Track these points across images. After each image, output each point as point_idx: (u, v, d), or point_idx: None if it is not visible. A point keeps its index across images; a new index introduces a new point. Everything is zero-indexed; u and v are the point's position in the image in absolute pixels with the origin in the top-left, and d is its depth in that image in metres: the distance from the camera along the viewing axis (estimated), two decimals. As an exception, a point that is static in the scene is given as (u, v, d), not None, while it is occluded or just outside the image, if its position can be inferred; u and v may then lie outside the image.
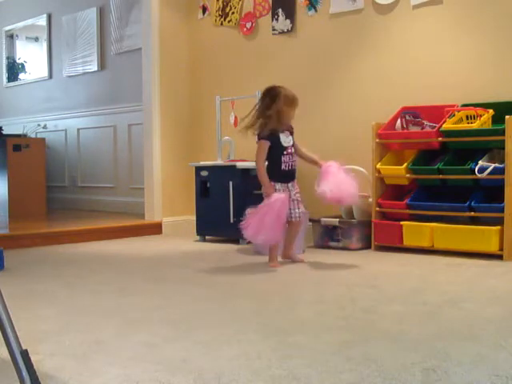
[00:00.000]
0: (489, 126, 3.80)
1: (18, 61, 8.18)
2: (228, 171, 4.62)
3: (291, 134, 3.75)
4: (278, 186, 3.64)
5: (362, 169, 4.26)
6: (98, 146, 6.86)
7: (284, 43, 5.04)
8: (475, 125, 3.77)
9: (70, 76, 7.20)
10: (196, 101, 5.65)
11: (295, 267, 3.62)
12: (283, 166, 3.67)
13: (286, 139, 3.70)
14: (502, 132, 3.64)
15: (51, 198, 7.00)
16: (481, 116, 3.79)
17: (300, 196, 3.74)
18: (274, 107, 3.60)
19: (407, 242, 4.00)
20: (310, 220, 4.31)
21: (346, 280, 3.17)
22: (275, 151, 3.66)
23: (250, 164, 4.36)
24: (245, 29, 5.28)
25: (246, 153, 4.62)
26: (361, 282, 3.11)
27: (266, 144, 3.64)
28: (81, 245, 4.67)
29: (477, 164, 3.73)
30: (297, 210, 3.70)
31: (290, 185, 3.70)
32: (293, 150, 3.73)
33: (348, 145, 4.61)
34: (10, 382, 1.59)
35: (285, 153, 3.69)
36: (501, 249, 3.66)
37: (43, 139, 6.76)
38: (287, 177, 3.70)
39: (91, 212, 6.55)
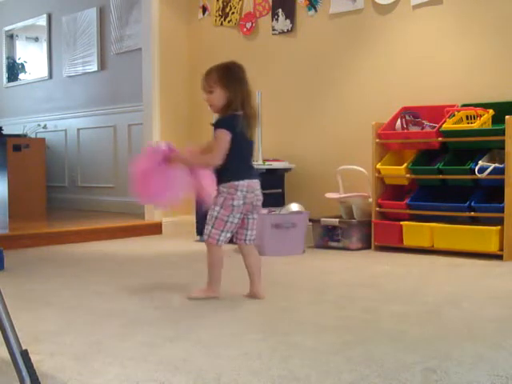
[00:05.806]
0: (489, 126, 3.80)
1: (18, 61, 8.17)
2: (228, 171, 4.61)
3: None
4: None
5: (362, 169, 4.27)
6: (98, 145, 6.85)
7: (284, 43, 5.04)
8: (475, 125, 3.77)
9: (69, 76, 7.20)
10: (196, 101, 5.64)
11: (295, 267, 3.62)
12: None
13: None
14: (502, 132, 3.64)
15: (51, 198, 6.99)
16: (481, 116, 3.79)
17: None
18: None
19: (407, 242, 4.00)
20: (310, 220, 4.31)
21: (346, 280, 3.17)
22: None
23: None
24: (245, 29, 5.28)
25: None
26: (361, 281, 3.12)
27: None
28: (81, 245, 4.67)
29: (477, 164, 3.73)
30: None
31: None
32: None
33: (348, 145, 4.62)
34: (10, 382, 1.59)
35: None
36: (501, 249, 3.66)
37: (43, 139, 6.75)
38: None
39: (91, 212, 6.54)
